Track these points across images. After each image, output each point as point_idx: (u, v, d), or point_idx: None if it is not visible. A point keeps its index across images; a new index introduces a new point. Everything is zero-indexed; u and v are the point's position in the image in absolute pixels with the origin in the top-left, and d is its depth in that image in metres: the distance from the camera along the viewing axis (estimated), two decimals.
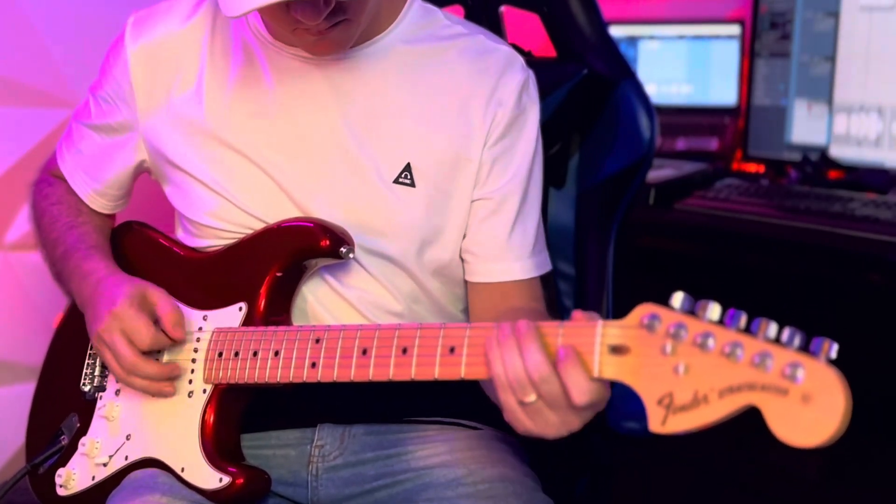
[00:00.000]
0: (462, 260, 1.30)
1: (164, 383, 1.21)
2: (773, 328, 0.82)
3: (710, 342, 0.83)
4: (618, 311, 1.60)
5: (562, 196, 1.64)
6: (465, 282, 1.31)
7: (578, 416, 0.95)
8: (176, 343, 1.22)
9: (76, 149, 1.39)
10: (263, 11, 1.15)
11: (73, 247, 1.33)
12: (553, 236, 1.62)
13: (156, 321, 1.21)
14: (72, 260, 1.32)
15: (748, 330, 0.83)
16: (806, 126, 2.17)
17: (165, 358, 1.23)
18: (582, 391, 0.91)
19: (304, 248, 1.21)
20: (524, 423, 0.96)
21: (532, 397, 0.94)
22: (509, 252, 1.28)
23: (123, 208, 1.44)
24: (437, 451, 1.25)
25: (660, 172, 2.12)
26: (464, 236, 1.28)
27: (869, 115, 2.04)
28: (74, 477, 1.28)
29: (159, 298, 1.22)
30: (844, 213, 1.83)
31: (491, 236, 1.27)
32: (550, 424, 0.96)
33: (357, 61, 1.25)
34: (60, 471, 1.29)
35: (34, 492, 1.33)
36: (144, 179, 1.42)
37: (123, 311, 1.19)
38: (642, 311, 0.88)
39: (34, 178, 1.47)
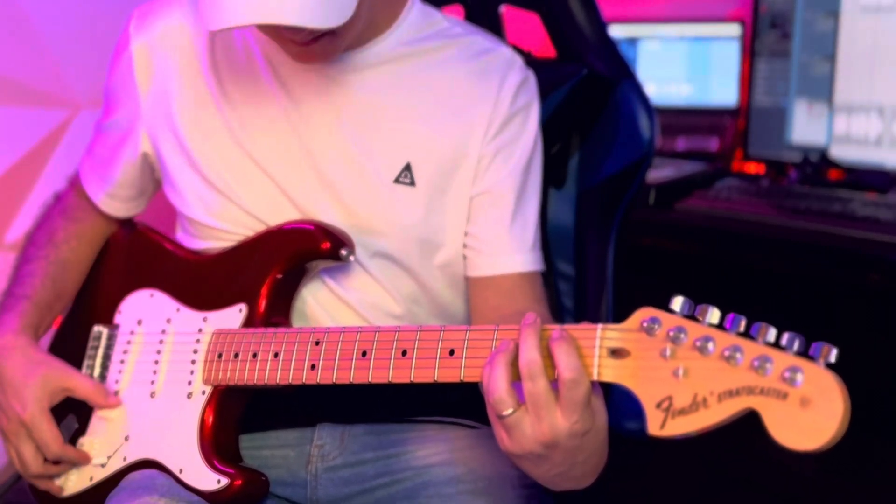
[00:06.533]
0: (464, 257, 1.30)
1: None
2: (772, 332, 0.82)
3: (710, 346, 0.83)
4: (618, 311, 1.59)
5: (562, 196, 1.64)
6: (467, 279, 1.30)
7: (556, 430, 0.91)
8: (110, 409, 1.27)
9: (91, 152, 1.40)
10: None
11: (10, 287, 1.35)
12: (553, 236, 1.62)
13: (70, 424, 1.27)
14: (1, 301, 1.34)
15: (748, 334, 0.83)
16: (806, 126, 2.16)
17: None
18: (571, 367, 0.89)
19: (304, 250, 1.22)
20: (502, 439, 0.94)
21: (509, 410, 0.92)
22: (509, 244, 1.28)
23: (140, 211, 1.43)
24: (437, 449, 1.25)
25: (660, 172, 2.12)
26: (465, 233, 1.28)
27: (869, 116, 2.04)
28: (72, 478, 1.28)
29: (75, 384, 1.26)
30: (844, 213, 1.83)
31: (490, 229, 1.27)
32: (526, 438, 0.92)
33: (356, 63, 1.25)
34: None
35: (32, 492, 1.33)
36: None
37: (33, 420, 1.23)
38: (642, 314, 0.88)
39: (58, 188, 1.47)
